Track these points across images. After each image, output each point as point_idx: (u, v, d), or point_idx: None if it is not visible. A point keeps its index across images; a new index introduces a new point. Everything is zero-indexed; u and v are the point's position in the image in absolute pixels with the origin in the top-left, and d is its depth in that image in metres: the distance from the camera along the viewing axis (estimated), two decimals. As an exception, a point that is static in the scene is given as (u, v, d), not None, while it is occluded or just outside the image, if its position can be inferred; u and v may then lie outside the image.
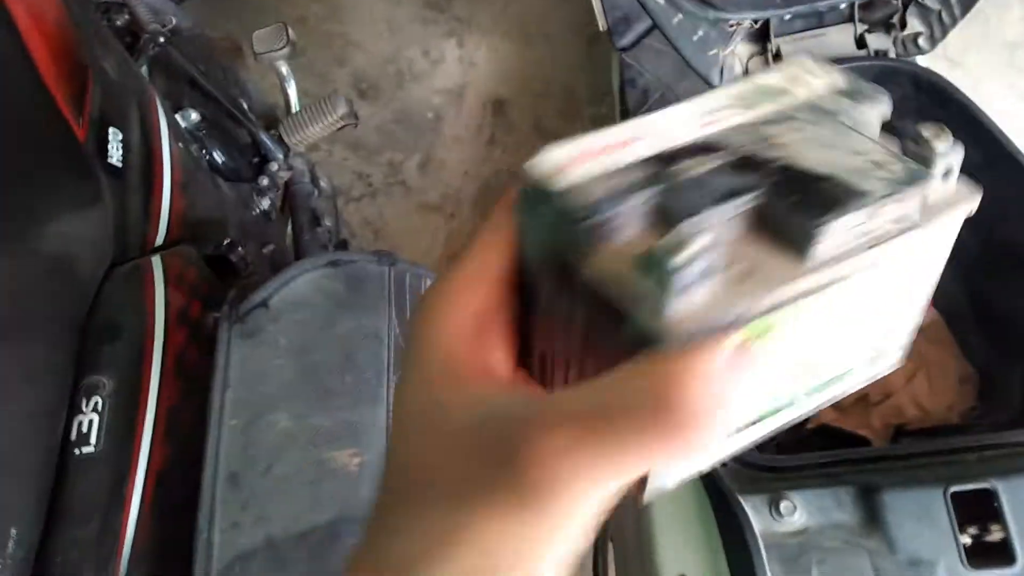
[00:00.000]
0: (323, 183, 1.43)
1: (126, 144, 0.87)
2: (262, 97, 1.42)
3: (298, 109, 1.34)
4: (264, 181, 1.26)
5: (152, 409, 0.67)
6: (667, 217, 0.22)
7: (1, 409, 0.58)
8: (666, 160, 0.24)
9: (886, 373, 0.29)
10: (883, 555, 0.72)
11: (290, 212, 1.35)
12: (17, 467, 0.59)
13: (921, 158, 0.24)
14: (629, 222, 0.22)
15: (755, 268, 0.22)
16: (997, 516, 0.71)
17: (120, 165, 0.85)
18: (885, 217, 0.22)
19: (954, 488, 0.72)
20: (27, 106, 0.76)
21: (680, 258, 0.20)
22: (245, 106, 1.31)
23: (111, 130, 0.86)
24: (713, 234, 0.21)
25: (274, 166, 1.28)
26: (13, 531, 0.56)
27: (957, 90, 1.00)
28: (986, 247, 1.06)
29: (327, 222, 1.37)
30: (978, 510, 0.72)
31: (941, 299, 1.10)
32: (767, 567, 0.72)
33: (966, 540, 0.71)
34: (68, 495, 0.62)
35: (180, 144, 1.01)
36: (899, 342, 0.29)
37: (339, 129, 1.33)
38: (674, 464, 0.24)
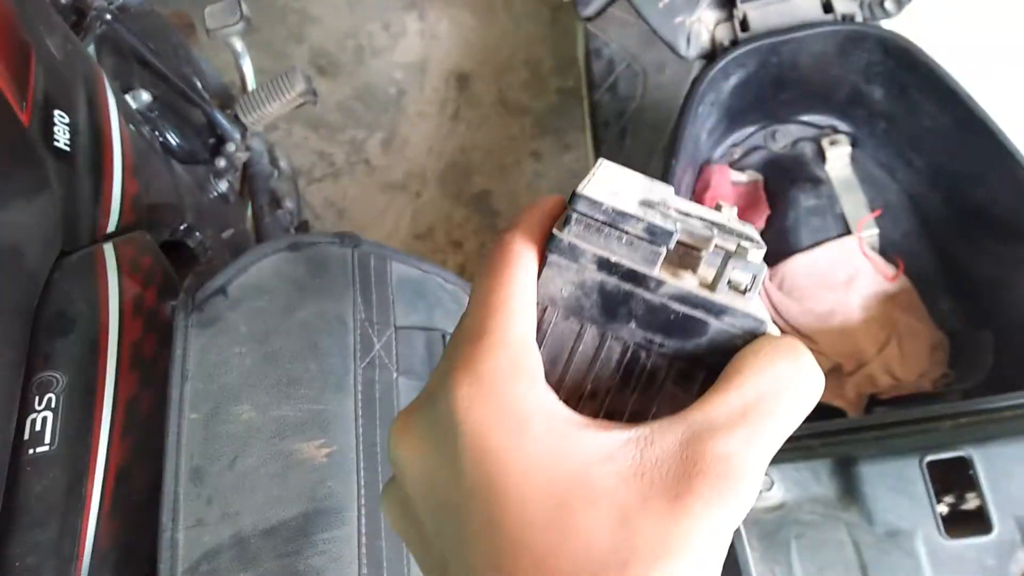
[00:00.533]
0: (283, 163, 1.39)
1: (73, 127, 0.83)
2: (216, 76, 1.38)
3: (254, 87, 1.30)
4: (221, 163, 1.22)
5: (109, 404, 0.64)
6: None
7: (-56, 410, 0.55)
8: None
9: None
10: (861, 527, 0.71)
11: (249, 195, 1.31)
12: (-35, 470, 0.56)
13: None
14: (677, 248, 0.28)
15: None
16: (973, 484, 0.71)
17: (67, 149, 0.81)
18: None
19: (929, 457, 0.71)
20: (-36, 90, 0.72)
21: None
22: (199, 85, 1.26)
23: (56, 112, 0.82)
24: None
25: (231, 147, 1.23)
26: (-37, 538, 0.53)
27: (925, 54, 0.99)
28: (956, 212, 1.06)
29: (288, 204, 1.34)
30: (954, 478, 0.72)
31: (912, 265, 1.10)
32: (746, 544, 0.71)
33: (943, 509, 0.71)
34: (23, 496, 0.59)
35: (131, 126, 0.97)
36: None
37: (298, 107, 1.29)
38: None
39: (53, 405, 0.63)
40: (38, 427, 0.62)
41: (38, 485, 0.60)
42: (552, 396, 0.25)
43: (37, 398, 0.63)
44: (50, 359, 0.66)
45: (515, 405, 0.24)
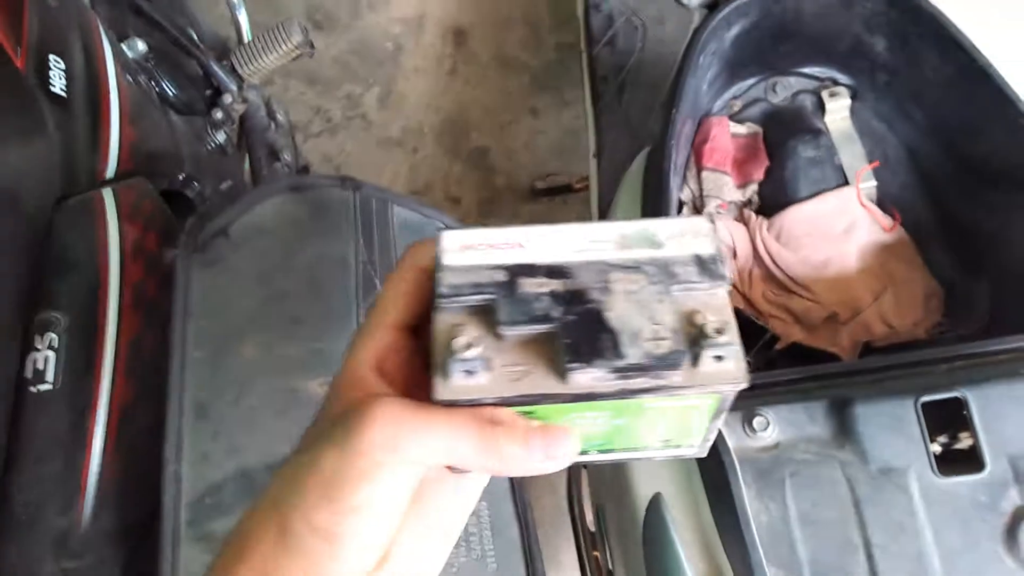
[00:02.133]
0: (280, 116, 1.38)
1: (69, 73, 0.83)
2: (212, 27, 1.36)
3: (250, 38, 1.29)
4: (218, 114, 1.21)
5: (111, 343, 0.64)
6: (489, 316, 0.31)
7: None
8: (523, 270, 0.32)
9: (687, 456, 0.37)
10: (855, 465, 0.72)
11: (247, 147, 1.31)
12: (-30, 404, 0.56)
13: (703, 341, 0.30)
14: (463, 306, 0.31)
15: (528, 374, 0.30)
16: (966, 424, 0.72)
17: (64, 94, 0.80)
18: (635, 380, 0.29)
19: (924, 398, 0.72)
20: (-42, 32, 0.71)
21: (460, 354, 0.29)
22: (194, 36, 1.25)
23: (52, 57, 0.81)
24: (491, 341, 0.30)
25: (228, 98, 1.23)
26: (-29, 470, 0.54)
27: (929, 3, 0.98)
28: (955, 164, 1.06)
29: (286, 157, 1.33)
30: (948, 419, 0.72)
31: (909, 217, 1.10)
32: (742, 482, 0.72)
33: (936, 448, 0.72)
34: (27, 434, 0.59)
35: (127, 75, 0.96)
36: (696, 443, 0.36)
37: (295, 59, 1.28)
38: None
39: (55, 344, 0.63)
40: (40, 365, 0.62)
41: (41, 422, 0.61)
42: (368, 368, 0.33)
43: (38, 337, 0.64)
44: (51, 299, 0.66)
45: (348, 362, 0.34)
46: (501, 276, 0.31)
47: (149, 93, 1.06)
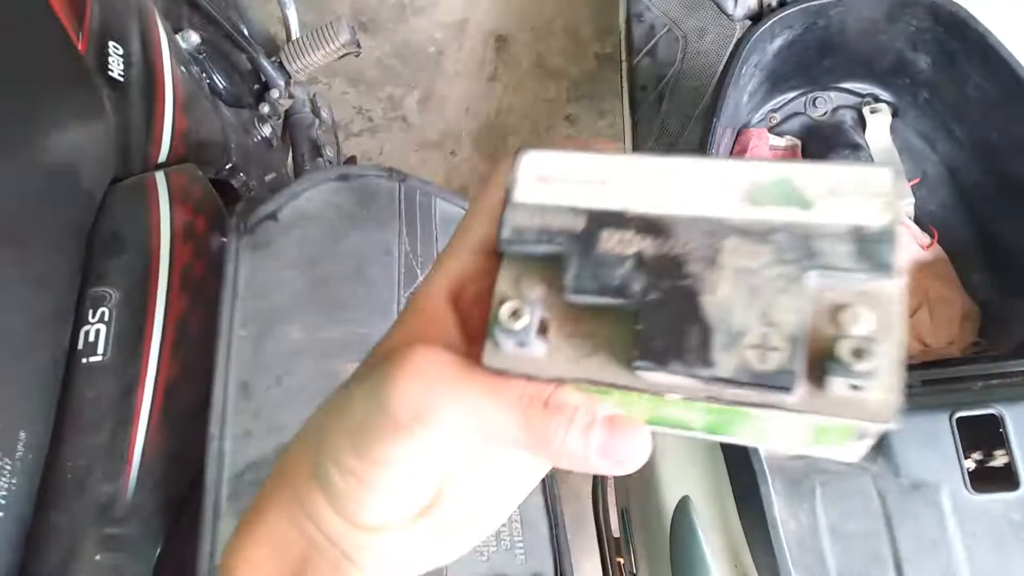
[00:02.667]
0: (324, 114, 1.40)
1: (127, 59, 0.85)
2: (261, 24, 1.39)
3: (299, 36, 1.31)
4: (265, 108, 1.24)
5: (160, 321, 0.66)
6: (556, 272, 0.25)
7: (5, 311, 0.57)
8: (609, 219, 0.25)
9: (829, 457, 0.28)
10: (887, 478, 0.72)
11: (291, 142, 1.33)
12: (23, 371, 0.58)
13: (832, 365, 0.22)
14: (530, 257, 0.26)
15: (596, 352, 0.24)
16: (1002, 441, 0.71)
17: (121, 79, 0.83)
18: (727, 391, 0.22)
19: (959, 414, 0.72)
20: (25, 16, 0.74)
21: (510, 324, 0.24)
22: (245, 31, 1.28)
23: (111, 43, 0.84)
24: (557, 304, 0.25)
25: (275, 93, 1.25)
26: (22, 434, 0.55)
27: (977, 21, 0.98)
28: (997, 183, 1.05)
29: (328, 152, 1.35)
30: (983, 436, 0.72)
31: (947, 236, 1.09)
32: (772, 489, 0.72)
33: (970, 465, 0.72)
34: (77, 402, 0.61)
35: (181, 65, 0.99)
36: (835, 450, 0.27)
37: (341, 57, 1.31)
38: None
39: (106, 318, 0.65)
40: (91, 338, 0.64)
41: (91, 392, 0.62)
42: (443, 299, 0.29)
43: (91, 311, 0.66)
44: (103, 276, 0.68)
45: (422, 290, 0.30)
46: (580, 223, 0.25)
47: (201, 84, 1.09)
